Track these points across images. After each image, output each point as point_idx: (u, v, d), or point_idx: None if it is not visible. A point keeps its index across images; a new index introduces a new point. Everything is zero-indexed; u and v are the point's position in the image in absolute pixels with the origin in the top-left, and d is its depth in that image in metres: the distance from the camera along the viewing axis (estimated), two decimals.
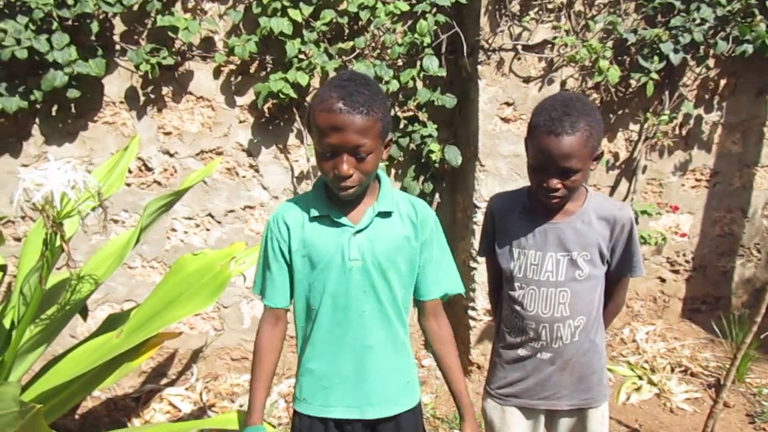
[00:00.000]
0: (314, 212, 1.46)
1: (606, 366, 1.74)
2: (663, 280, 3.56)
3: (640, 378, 3.03)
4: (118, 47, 2.81)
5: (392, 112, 3.08)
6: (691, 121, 3.36)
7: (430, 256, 1.53)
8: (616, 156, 3.34)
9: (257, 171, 3.06)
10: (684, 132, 3.37)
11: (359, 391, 1.49)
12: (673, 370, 3.12)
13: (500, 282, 1.74)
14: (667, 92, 3.22)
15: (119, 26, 2.80)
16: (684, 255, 3.53)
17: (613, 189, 3.38)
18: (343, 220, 1.45)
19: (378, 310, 1.48)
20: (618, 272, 1.67)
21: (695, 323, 3.54)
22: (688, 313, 3.59)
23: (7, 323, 2.01)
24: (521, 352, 1.67)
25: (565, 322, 1.62)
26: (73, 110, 2.83)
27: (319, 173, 1.48)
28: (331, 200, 1.47)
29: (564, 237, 1.60)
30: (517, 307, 1.65)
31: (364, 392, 1.49)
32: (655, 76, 3.03)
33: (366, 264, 1.44)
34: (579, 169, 1.49)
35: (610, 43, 3.05)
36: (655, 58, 3.02)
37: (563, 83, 3.07)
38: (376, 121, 1.36)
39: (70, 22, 2.63)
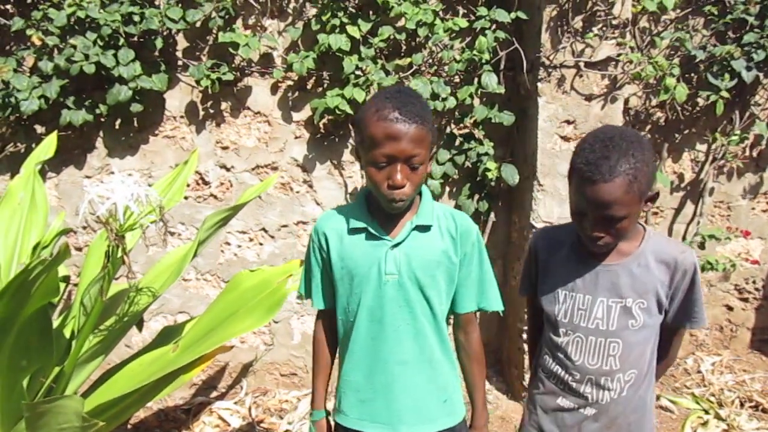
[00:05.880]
0: (353, 224, 1.46)
1: (655, 429, 1.56)
2: (730, 308, 3.38)
3: (707, 412, 2.86)
4: (180, 63, 2.86)
5: (448, 129, 3.05)
6: (763, 142, 3.20)
7: (469, 272, 1.50)
8: (681, 177, 3.20)
9: (311, 186, 3.06)
10: (755, 153, 3.22)
11: (391, 408, 1.47)
12: (742, 405, 2.94)
13: (542, 323, 1.59)
14: (737, 111, 3.09)
15: (182, 42, 2.86)
16: (754, 282, 3.34)
17: (678, 211, 3.24)
18: (381, 233, 1.44)
19: (413, 326, 1.45)
20: (676, 322, 1.47)
21: (765, 355, 3.34)
22: (758, 344, 3.40)
23: (67, 333, 2.04)
24: (562, 402, 1.52)
25: (614, 376, 1.45)
26: (135, 124, 2.89)
27: (361, 186, 1.46)
28: (372, 213, 1.46)
29: (618, 281, 1.43)
30: (560, 355, 1.50)
31: (396, 409, 1.47)
32: (725, 94, 2.90)
33: (402, 278, 1.43)
34: (622, 216, 1.33)
35: (677, 60, 2.94)
36: (726, 75, 2.89)
37: (626, 101, 2.96)
38: (428, 132, 1.36)
39: (135, 39, 2.69)
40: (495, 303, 1.53)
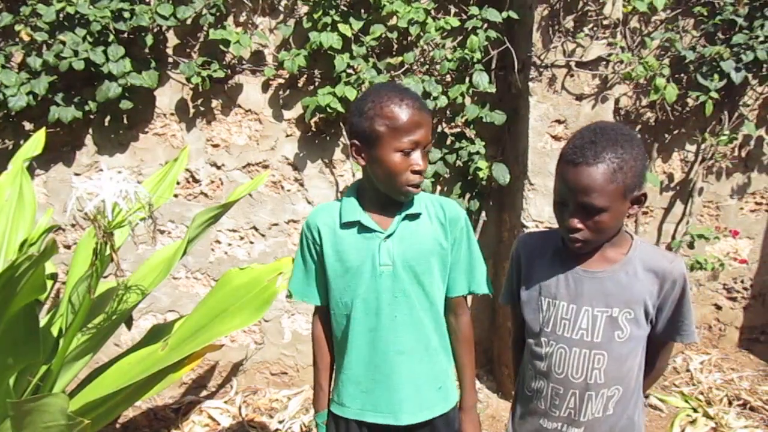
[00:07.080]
0: (345, 218, 1.49)
1: None
2: (719, 308, 3.40)
3: (695, 410, 2.88)
4: (170, 60, 2.85)
5: (439, 128, 3.05)
6: (752, 143, 3.23)
7: (459, 256, 1.53)
8: (670, 177, 3.22)
9: (302, 185, 3.05)
10: (743, 153, 3.24)
11: (392, 397, 1.50)
12: (730, 403, 2.96)
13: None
14: (726, 112, 3.10)
15: (172, 39, 2.84)
16: (742, 281, 3.37)
17: (668, 211, 3.25)
18: (373, 225, 1.47)
19: (410, 315, 1.48)
20: (664, 335, 1.40)
21: (753, 354, 3.36)
22: (746, 343, 3.42)
23: (55, 331, 2.02)
24: (545, 423, 1.44)
25: (598, 391, 1.38)
26: (125, 121, 2.87)
27: (352, 181, 1.47)
28: (363, 206, 1.50)
29: (604, 289, 1.36)
30: (542, 367, 1.43)
31: (397, 398, 1.50)
32: (714, 95, 2.92)
33: (396, 269, 1.45)
34: (602, 207, 1.28)
35: (667, 61, 2.95)
36: (715, 76, 2.91)
37: (617, 101, 2.98)
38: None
39: (125, 35, 2.68)
40: (482, 286, 1.56)
